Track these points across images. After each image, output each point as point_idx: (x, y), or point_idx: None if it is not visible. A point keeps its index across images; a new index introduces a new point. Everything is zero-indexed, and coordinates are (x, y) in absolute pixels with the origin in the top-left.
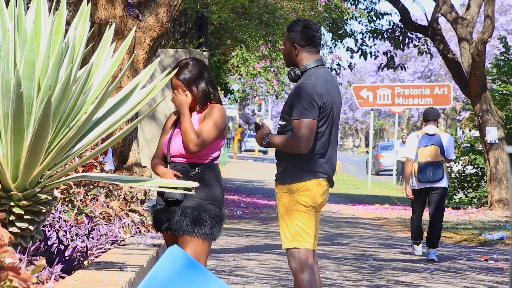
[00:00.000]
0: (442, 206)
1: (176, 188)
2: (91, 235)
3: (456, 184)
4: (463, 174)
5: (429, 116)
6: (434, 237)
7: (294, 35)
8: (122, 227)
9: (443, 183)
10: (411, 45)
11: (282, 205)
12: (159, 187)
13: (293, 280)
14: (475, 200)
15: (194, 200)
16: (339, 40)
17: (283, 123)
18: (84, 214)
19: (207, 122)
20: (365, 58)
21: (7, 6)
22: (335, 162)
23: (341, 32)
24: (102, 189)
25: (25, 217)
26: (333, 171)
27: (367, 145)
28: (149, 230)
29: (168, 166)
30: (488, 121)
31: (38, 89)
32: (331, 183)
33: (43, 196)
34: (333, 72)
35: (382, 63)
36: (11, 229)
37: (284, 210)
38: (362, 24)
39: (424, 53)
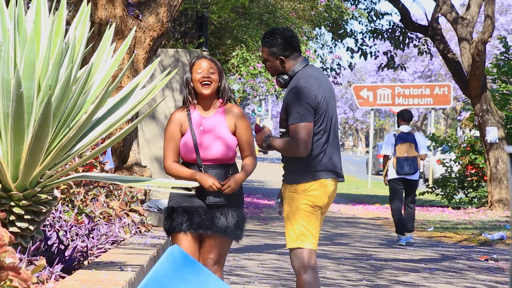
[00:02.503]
0: (414, 199)
1: (177, 188)
2: (91, 235)
3: (456, 184)
4: (463, 174)
5: (404, 117)
6: (408, 224)
7: (276, 49)
8: (122, 227)
9: (416, 177)
10: (411, 45)
11: (288, 205)
12: (158, 187)
13: (296, 280)
14: (475, 200)
15: (232, 202)
16: (339, 40)
17: (283, 130)
18: (84, 214)
19: (247, 137)
20: (365, 58)
21: (7, 6)
22: (339, 157)
23: (341, 32)
24: (102, 189)
25: (25, 217)
26: (337, 167)
27: (367, 145)
28: (149, 230)
29: (202, 170)
30: (488, 121)
31: (38, 89)
32: (339, 178)
33: (43, 196)
34: (333, 72)
35: (382, 63)
36: (11, 229)
37: (290, 210)
38: (362, 24)
39: (424, 53)
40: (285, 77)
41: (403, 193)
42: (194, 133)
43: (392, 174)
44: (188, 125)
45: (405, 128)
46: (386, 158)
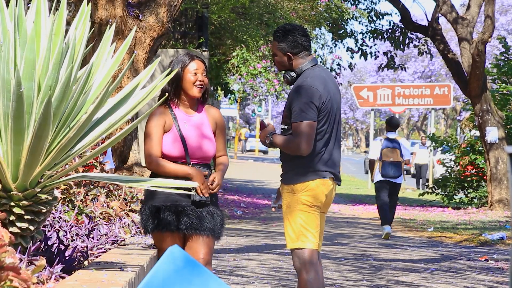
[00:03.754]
0: (397, 199)
1: (176, 188)
2: (91, 235)
3: (456, 184)
4: (462, 174)
5: (391, 125)
6: (389, 218)
7: (285, 45)
8: (123, 227)
9: (400, 180)
10: (411, 45)
11: (286, 205)
12: (158, 187)
13: (297, 280)
14: (475, 200)
15: (213, 201)
16: (339, 40)
17: (285, 127)
18: (84, 214)
19: (224, 139)
20: (365, 58)
21: (7, 6)
22: (338, 159)
23: (341, 32)
24: (102, 189)
25: (26, 217)
26: (336, 167)
27: (367, 145)
28: None
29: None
30: (488, 121)
31: (39, 89)
32: (337, 180)
33: (43, 196)
34: (333, 73)
35: (382, 63)
36: (11, 229)
37: (288, 210)
38: (362, 24)
39: (424, 53)
40: (292, 74)
41: (387, 194)
42: (181, 130)
43: (378, 176)
44: (172, 122)
45: (391, 135)
46: (372, 162)
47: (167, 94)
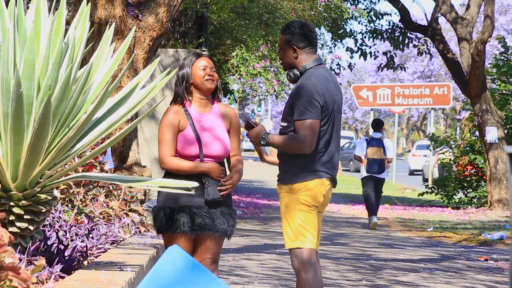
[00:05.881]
0: (380, 192)
1: (177, 187)
2: (91, 235)
3: (455, 184)
4: (462, 174)
5: (377, 126)
6: (375, 209)
7: (291, 38)
8: (122, 227)
9: (383, 176)
10: (410, 45)
11: (285, 205)
12: (160, 187)
13: (296, 280)
14: (475, 200)
15: (227, 201)
16: (339, 40)
17: (285, 124)
18: (84, 214)
19: (238, 138)
20: (365, 58)
21: (7, 6)
22: (337, 161)
23: (341, 32)
24: (102, 189)
25: (25, 217)
26: (335, 170)
27: None
28: (149, 230)
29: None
30: (488, 121)
31: (38, 89)
32: (334, 183)
33: (43, 196)
34: (333, 72)
35: (382, 63)
36: (11, 229)
37: (287, 209)
38: (362, 24)
39: (424, 53)
40: (296, 72)
41: (373, 188)
42: (196, 129)
43: (363, 173)
44: (186, 121)
45: (376, 135)
46: (358, 158)
47: (165, 96)
